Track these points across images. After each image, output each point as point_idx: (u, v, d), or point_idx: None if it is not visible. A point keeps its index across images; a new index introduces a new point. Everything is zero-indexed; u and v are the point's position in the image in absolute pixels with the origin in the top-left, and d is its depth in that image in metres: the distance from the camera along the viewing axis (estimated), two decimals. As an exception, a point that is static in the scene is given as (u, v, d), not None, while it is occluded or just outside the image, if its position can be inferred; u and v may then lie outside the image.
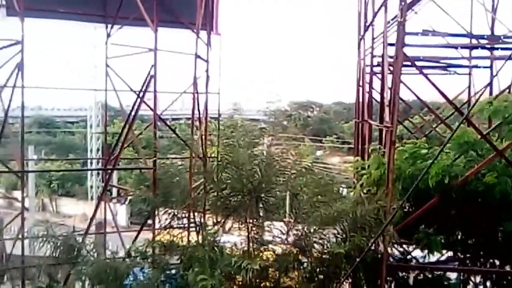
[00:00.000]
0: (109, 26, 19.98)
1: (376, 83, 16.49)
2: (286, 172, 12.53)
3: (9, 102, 16.64)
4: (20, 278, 16.61)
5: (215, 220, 12.85)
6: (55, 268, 12.30)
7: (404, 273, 13.27)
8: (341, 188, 14.60)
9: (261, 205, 12.19)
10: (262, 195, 12.05)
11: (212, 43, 18.97)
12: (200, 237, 12.45)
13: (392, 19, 13.65)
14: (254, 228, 12.09)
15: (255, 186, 11.84)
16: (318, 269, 11.73)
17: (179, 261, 11.92)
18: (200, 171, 15.72)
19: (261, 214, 12.30)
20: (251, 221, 12.08)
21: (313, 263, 11.75)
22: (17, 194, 39.97)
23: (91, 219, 19.79)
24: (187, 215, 13.72)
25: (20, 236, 16.81)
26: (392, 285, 13.13)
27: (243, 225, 12.24)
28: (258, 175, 11.86)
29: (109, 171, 20.47)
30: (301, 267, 11.86)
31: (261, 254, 11.71)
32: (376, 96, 16.67)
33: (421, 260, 13.51)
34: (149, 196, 14.21)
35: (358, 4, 18.51)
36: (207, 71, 18.55)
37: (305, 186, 12.39)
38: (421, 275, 13.23)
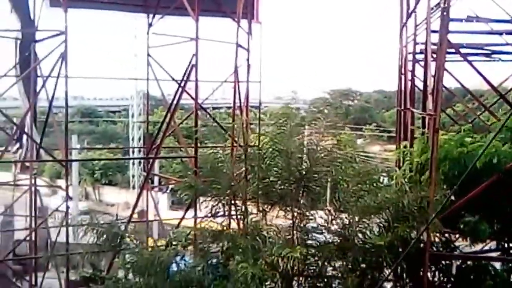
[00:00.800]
0: (151, 15, 20.06)
1: (419, 71, 16.25)
2: (328, 161, 12.45)
3: (53, 92, 16.87)
4: (65, 266, 16.88)
5: (257, 209, 12.85)
6: (99, 256, 12.41)
7: (447, 262, 13.11)
8: (381, 177, 14.45)
9: (306, 194, 12.14)
10: (310, 184, 11.99)
11: (253, 31, 18.95)
12: (242, 225, 12.48)
13: (436, 5, 13.44)
14: (298, 217, 12.05)
15: (303, 174, 11.79)
16: (360, 259, 11.65)
17: (221, 250, 11.96)
18: (241, 159, 15.74)
19: (305, 202, 12.25)
20: (296, 209, 12.04)
21: (356, 252, 11.67)
22: (61, 182, 40.62)
23: (134, 207, 20.00)
24: (228, 203, 13.76)
25: (64, 224, 17.08)
26: (435, 274, 12.99)
27: (287, 214, 12.20)
28: (307, 163, 11.82)
29: (151, 160, 20.64)
30: (344, 257, 11.80)
31: (304, 242, 11.68)
32: (419, 83, 16.45)
33: (464, 250, 13.33)
34: (190, 184, 14.26)
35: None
36: (248, 59, 18.54)
37: (347, 175, 12.30)
38: (465, 264, 13.05)
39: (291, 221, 11.94)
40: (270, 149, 12.54)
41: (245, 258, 10.54)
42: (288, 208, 12.13)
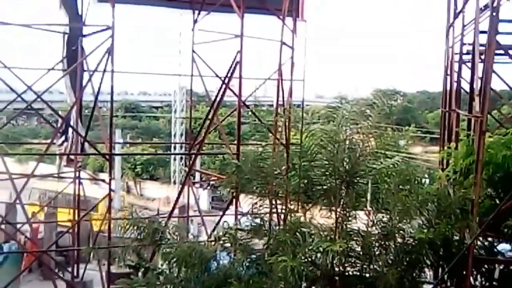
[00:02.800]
0: (196, 12, 20.14)
1: (465, 72, 16.05)
2: (370, 161, 12.38)
3: (99, 86, 17.08)
4: (106, 258, 17.09)
5: (299, 207, 12.84)
6: (140, 249, 12.55)
7: (490, 266, 12.94)
8: (424, 179, 14.31)
9: (349, 192, 12.09)
10: (354, 181, 11.94)
11: (297, 29, 18.93)
12: (283, 222, 12.48)
13: (484, 6, 13.23)
14: (340, 215, 12.00)
15: (347, 171, 11.75)
16: (401, 257, 11.57)
17: (263, 246, 11.98)
18: (283, 157, 15.74)
19: (347, 202, 12.21)
20: (338, 208, 11.99)
21: (396, 250, 11.59)
22: (103, 176, 41.17)
23: (175, 202, 20.14)
24: (269, 200, 13.77)
25: (107, 217, 17.30)
26: (477, 278, 12.83)
27: (329, 212, 12.16)
28: (350, 160, 11.78)
29: (193, 156, 20.76)
30: (385, 254, 11.72)
31: (345, 240, 11.63)
32: (464, 85, 16.25)
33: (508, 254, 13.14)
34: (231, 181, 14.30)
35: (447, -10, 18.05)
36: (292, 57, 18.52)
37: (388, 175, 12.22)
38: (507, 268, 12.86)
39: (333, 221, 11.90)
40: (313, 146, 12.51)
41: (284, 253, 10.54)
42: (330, 207, 12.09)
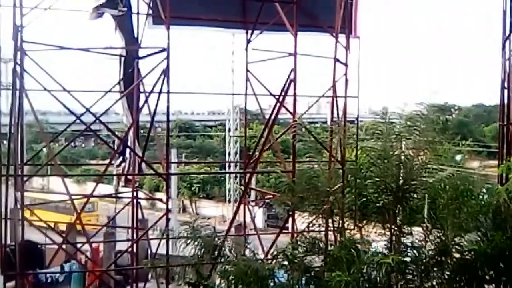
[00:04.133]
0: (249, 32, 20.28)
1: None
2: (424, 176, 12.27)
3: (155, 107, 17.34)
4: (165, 277, 17.25)
5: (354, 224, 12.78)
6: (199, 266, 12.65)
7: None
8: (480, 193, 14.06)
9: (403, 208, 11.99)
10: (407, 197, 11.85)
11: (351, 46, 18.89)
12: (338, 239, 12.44)
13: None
14: (395, 232, 11.91)
15: (400, 186, 11.67)
16: (458, 272, 11.39)
17: (320, 264, 11.96)
18: (338, 174, 15.70)
19: (402, 218, 12.11)
20: (392, 225, 11.90)
21: (453, 265, 11.42)
22: (159, 195, 41.53)
23: (231, 221, 20.24)
24: (325, 218, 13.74)
25: (165, 236, 17.46)
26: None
27: (384, 230, 12.08)
28: (403, 176, 11.70)
29: (248, 174, 20.85)
30: (441, 270, 11.57)
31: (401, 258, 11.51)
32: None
33: None
34: (286, 199, 14.33)
35: (503, 2, 17.79)
36: (346, 74, 18.49)
37: (444, 190, 12.06)
38: None
39: (387, 238, 11.82)
40: (366, 163, 12.46)
41: (340, 269, 10.52)
42: (385, 224, 12.00)
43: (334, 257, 11.16)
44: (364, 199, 12.35)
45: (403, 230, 11.91)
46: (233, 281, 11.77)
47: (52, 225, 21.20)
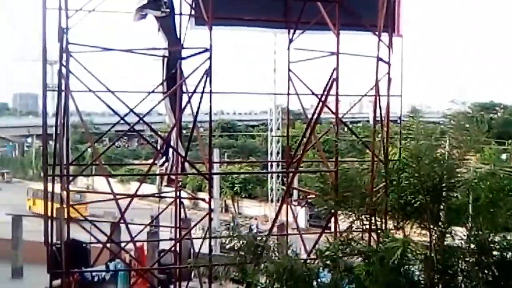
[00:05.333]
0: (291, 31, 20.25)
1: None
2: (467, 176, 12.12)
3: (198, 107, 17.45)
4: (207, 276, 17.33)
5: (397, 224, 12.68)
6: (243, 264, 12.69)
7: None
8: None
9: (442, 207, 11.85)
10: (443, 193, 11.72)
11: (394, 45, 18.74)
12: (381, 239, 12.36)
13: None
14: (436, 234, 11.78)
15: (436, 183, 11.53)
16: (500, 270, 11.25)
17: (361, 264, 11.89)
18: (381, 173, 15.60)
19: (442, 218, 11.97)
20: (432, 226, 11.78)
21: (494, 264, 11.28)
22: (202, 195, 41.81)
23: (274, 220, 20.24)
24: (368, 218, 13.65)
25: (207, 235, 17.57)
26: None
27: (424, 230, 11.97)
28: (438, 173, 11.56)
29: (291, 173, 20.84)
30: (482, 269, 11.42)
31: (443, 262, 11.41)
32: None
33: None
34: (329, 199, 14.28)
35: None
36: (388, 73, 18.34)
37: (488, 190, 11.89)
38: None
39: (428, 239, 11.70)
40: (407, 163, 12.35)
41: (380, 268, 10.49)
42: (424, 224, 11.89)
43: (377, 258, 11.09)
44: (405, 199, 12.27)
45: (443, 230, 11.79)
46: (276, 280, 11.79)
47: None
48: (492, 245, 11.25)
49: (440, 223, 11.76)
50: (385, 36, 18.51)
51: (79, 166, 25.82)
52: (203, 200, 21.62)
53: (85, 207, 41.18)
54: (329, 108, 18.77)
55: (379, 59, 18.05)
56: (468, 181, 11.79)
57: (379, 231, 13.00)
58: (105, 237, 19.80)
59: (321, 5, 17.65)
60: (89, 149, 25.86)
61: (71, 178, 18.76)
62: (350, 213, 13.09)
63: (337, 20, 17.35)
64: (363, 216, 13.16)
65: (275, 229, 20.59)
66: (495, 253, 11.30)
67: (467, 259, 11.29)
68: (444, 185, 11.60)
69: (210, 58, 16.49)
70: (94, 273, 20.95)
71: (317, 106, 18.82)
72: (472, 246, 11.42)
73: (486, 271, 11.26)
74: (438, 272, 10.96)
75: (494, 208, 11.33)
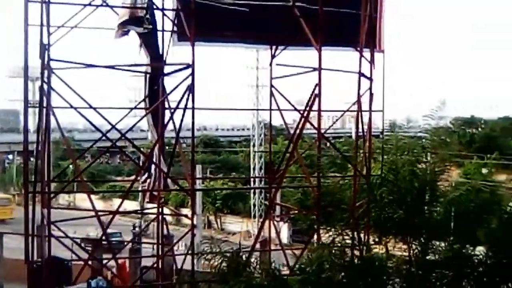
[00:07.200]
0: (274, 47, 20.31)
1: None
2: (447, 190, 12.24)
3: (180, 123, 17.43)
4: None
5: (381, 239, 12.74)
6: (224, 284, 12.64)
7: None
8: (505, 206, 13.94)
9: (421, 223, 11.94)
10: (423, 208, 11.82)
11: (375, 60, 18.86)
12: (362, 254, 12.41)
13: None
14: (417, 248, 11.85)
15: (415, 198, 11.63)
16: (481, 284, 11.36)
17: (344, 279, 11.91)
18: (363, 189, 15.66)
19: (424, 233, 12.06)
20: (412, 240, 11.86)
21: (475, 277, 11.38)
22: (185, 211, 41.65)
23: (256, 236, 20.20)
24: (350, 233, 13.67)
25: (190, 252, 17.48)
26: None
27: (404, 244, 12.05)
28: (417, 188, 11.67)
29: (274, 189, 20.82)
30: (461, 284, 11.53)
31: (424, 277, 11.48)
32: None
33: None
34: (311, 214, 14.33)
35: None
36: (370, 89, 18.44)
37: (469, 204, 12.01)
38: None
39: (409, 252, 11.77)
40: (386, 177, 12.44)
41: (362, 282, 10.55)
42: (405, 238, 11.96)
43: (358, 273, 11.15)
44: (385, 213, 12.34)
45: (423, 244, 11.87)
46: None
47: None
48: (471, 258, 11.36)
49: (421, 238, 11.84)
50: (367, 52, 18.64)
51: (61, 182, 25.64)
52: (186, 216, 21.53)
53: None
54: (311, 124, 18.83)
55: (361, 74, 18.15)
56: (450, 196, 11.89)
57: (361, 246, 13.05)
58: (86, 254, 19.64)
59: (304, 21, 17.72)
60: (70, 166, 25.70)
61: (52, 195, 18.61)
62: (332, 228, 13.14)
63: (319, 36, 17.43)
64: (345, 231, 13.20)
65: (258, 245, 20.53)
66: (474, 266, 11.41)
67: (447, 272, 11.36)
68: (423, 199, 11.70)
69: (192, 74, 16.50)
70: (75, 291, 20.74)
71: (299, 122, 18.86)
72: (453, 260, 11.51)
73: (466, 285, 11.35)
74: (419, 286, 11.01)
75: (474, 222, 11.44)
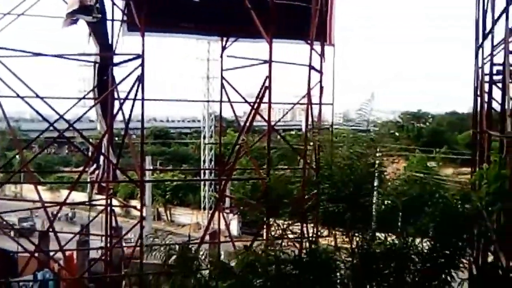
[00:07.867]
0: (224, 39, 20.28)
1: (496, 92, 15.95)
2: (392, 183, 12.39)
3: (130, 114, 17.26)
4: (138, 285, 17.13)
5: (329, 231, 12.83)
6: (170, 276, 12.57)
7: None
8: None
9: (362, 215, 12.05)
10: (360, 200, 11.92)
11: (326, 53, 18.99)
12: (312, 247, 12.47)
13: (514, 26, 13.21)
14: (358, 240, 11.96)
15: (352, 191, 11.73)
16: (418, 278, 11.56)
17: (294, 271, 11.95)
18: (312, 181, 15.74)
19: (365, 225, 12.18)
20: (353, 232, 11.97)
21: (415, 270, 11.57)
22: (134, 202, 41.33)
23: (206, 229, 20.16)
24: (299, 226, 13.75)
25: (139, 244, 17.35)
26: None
27: (347, 237, 12.15)
28: (353, 181, 11.77)
29: (224, 181, 20.81)
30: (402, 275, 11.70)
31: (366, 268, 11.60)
32: (495, 105, 16.14)
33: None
34: (260, 207, 14.33)
35: (476, 11, 17.99)
36: (320, 82, 18.56)
37: (415, 196, 12.17)
38: None
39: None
40: (336, 170, 12.50)
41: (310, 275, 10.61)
42: (346, 230, 12.05)
43: (306, 265, 11.20)
44: (329, 206, 12.39)
45: (366, 236, 11.98)
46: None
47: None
48: (415, 250, 11.51)
49: (364, 230, 11.96)
50: (317, 45, 18.75)
51: (7, 173, 25.14)
52: (135, 207, 21.33)
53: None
54: (261, 116, 18.87)
55: (311, 67, 18.24)
56: (391, 187, 12.04)
57: (310, 238, 13.12)
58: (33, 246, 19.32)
59: (255, 13, 17.72)
60: (17, 156, 25.20)
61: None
62: (280, 220, 13.16)
63: (270, 28, 17.45)
64: (294, 224, 13.25)
65: (207, 237, 20.51)
66: (419, 257, 11.57)
67: (392, 264, 11.49)
68: (360, 192, 11.80)
69: (142, 64, 16.35)
70: (21, 283, 20.40)
71: (249, 114, 18.88)
72: (394, 252, 11.65)
73: (410, 275, 11.51)
74: (364, 278, 11.12)
75: (419, 214, 11.60)
